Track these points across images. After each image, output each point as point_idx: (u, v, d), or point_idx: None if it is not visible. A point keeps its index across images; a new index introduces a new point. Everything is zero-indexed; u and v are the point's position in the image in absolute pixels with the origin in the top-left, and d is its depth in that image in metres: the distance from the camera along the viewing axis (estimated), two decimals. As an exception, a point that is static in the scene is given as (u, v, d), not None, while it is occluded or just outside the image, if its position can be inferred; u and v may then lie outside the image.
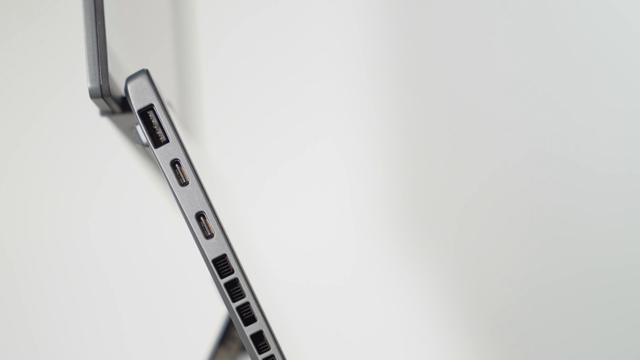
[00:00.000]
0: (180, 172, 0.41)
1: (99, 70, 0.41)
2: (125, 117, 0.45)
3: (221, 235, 0.41)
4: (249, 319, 0.41)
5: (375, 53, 0.86)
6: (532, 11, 0.86)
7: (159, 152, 0.41)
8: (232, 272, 0.41)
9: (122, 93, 0.43)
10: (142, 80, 0.40)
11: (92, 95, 0.41)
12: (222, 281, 0.40)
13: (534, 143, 0.85)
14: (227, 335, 0.69)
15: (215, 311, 0.81)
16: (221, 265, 0.41)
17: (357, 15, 0.86)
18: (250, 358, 0.41)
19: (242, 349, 0.69)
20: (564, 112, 0.85)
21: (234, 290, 0.41)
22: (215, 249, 0.41)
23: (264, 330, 0.41)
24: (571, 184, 0.85)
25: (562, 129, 0.85)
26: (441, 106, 0.86)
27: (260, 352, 0.41)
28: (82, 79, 0.82)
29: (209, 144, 0.86)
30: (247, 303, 0.41)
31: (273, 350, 0.41)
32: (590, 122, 0.85)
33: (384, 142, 0.86)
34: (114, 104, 0.43)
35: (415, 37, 0.86)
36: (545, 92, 0.85)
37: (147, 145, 0.41)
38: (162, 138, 0.41)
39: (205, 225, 0.41)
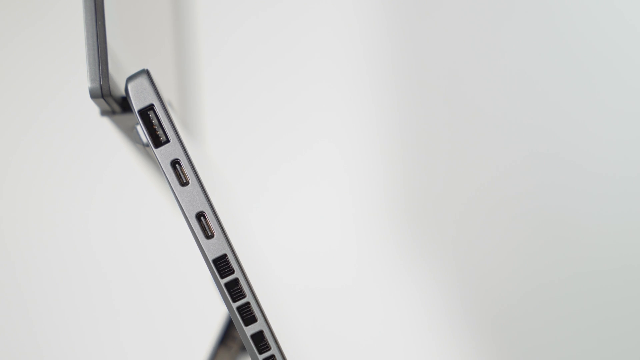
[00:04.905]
0: (180, 172, 0.41)
1: (99, 70, 0.41)
2: (125, 117, 0.45)
3: (221, 235, 0.41)
4: (249, 319, 0.41)
5: (376, 54, 0.86)
6: (534, 11, 0.86)
7: (159, 152, 0.41)
8: (233, 272, 0.41)
9: (123, 93, 0.43)
10: (142, 80, 0.40)
11: (93, 95, 0.41)
12: (223, 281, 0.40)
13: (534, 144, 0.85)
14: (228, 335, 0.69)
15: (215, 311, 0.81)
16: (222, 265, 0.41)
17: (357, 16, 0.86)
18: (251, 358, 0.41)
19: (243, 349, 0.69)
20: (565, 113, 0.85)
21: (234, 290, 0.41)
22: (215, 249, 0.41)
23: (264, 330, 0.41)
24: (572, 185, 0.85)
25: (563, 130, 0.85)
26: (442, 107, 0.86)
27: (260, 352, 0.41)
28: (82, 79, 0.82)
29: (209, 144, 0.86)
30: (248, 303, 0.41)
31: (273, 350, 0.41)
32: (592, 123, 0.85)
33: (384, 144, 0.86)
34: (114, 104, 0.43)
35: (415, 38, 0.86)
36: (546, 92, 0.85)
37: (148, 145, 0.41)
38: (163, 138, 0.41)
39: (205, 225, 0.41)
